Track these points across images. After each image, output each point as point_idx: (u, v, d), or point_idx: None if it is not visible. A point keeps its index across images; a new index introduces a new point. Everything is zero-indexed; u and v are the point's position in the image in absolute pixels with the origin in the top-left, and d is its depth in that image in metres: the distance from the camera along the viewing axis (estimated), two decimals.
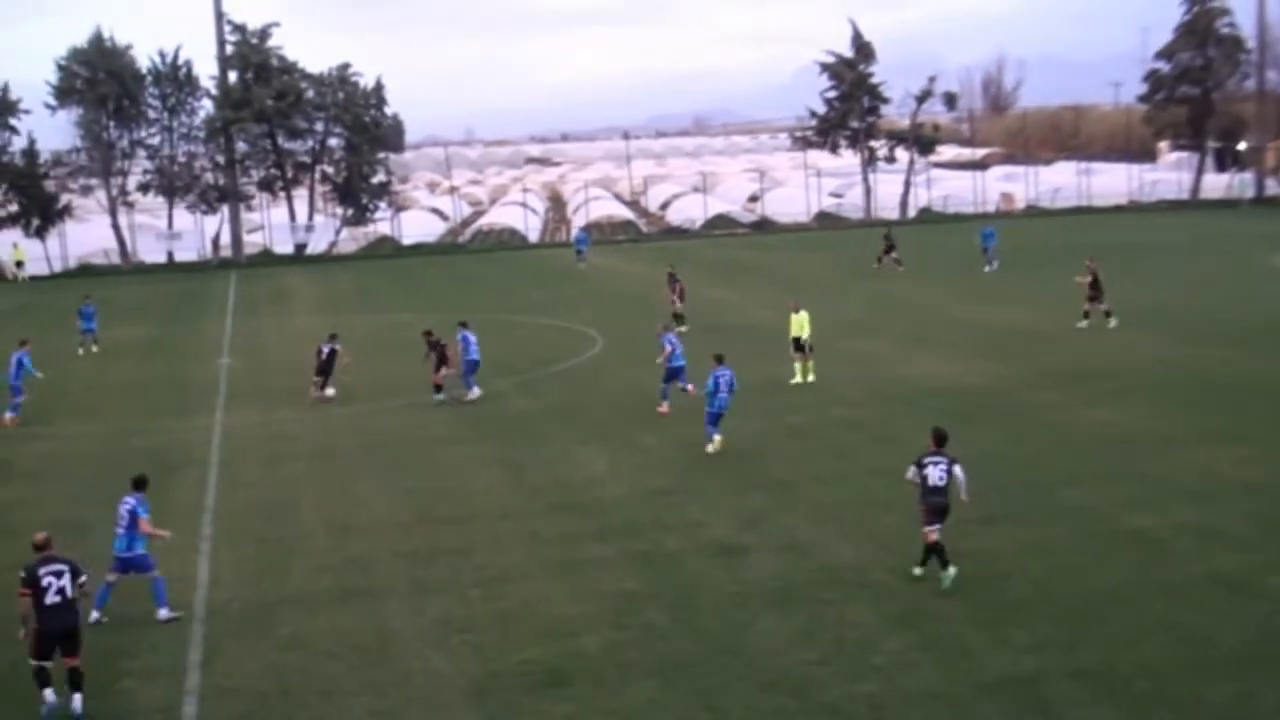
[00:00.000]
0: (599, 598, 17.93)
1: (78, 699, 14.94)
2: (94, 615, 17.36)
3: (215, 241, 79.34)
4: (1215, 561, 18.16)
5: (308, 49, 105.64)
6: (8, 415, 31.38)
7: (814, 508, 21.70)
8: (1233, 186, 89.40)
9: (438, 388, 31.81)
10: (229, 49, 78.18)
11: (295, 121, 79.23)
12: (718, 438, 25.67)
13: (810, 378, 32.16)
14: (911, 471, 18.18)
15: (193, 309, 55.21)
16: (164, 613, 17.76)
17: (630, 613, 17.39)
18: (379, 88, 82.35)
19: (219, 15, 78.04)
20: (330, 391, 32.82)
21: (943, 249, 63.47)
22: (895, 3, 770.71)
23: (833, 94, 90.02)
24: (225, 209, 79.35)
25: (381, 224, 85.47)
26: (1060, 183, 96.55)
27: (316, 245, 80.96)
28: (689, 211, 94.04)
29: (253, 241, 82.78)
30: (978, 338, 38.24)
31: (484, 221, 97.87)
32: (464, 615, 17.58)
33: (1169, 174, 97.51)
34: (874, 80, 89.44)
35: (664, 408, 29.35)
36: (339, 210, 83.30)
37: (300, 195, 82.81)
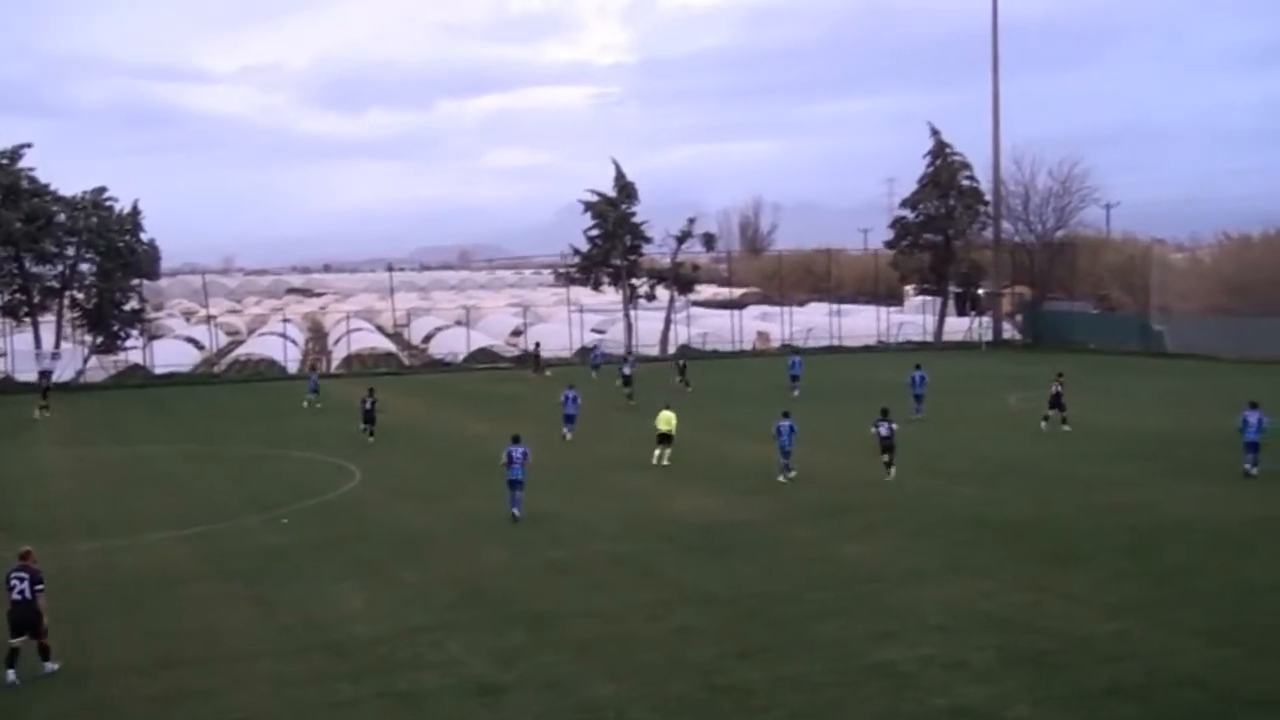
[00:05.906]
0: None
1: None
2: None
3: None
4: (959, 694, 18.66)
5: (61, 172, 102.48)
6: None
7: (574, 644, 21.57)
8: (972, 330, 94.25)
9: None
10: None
11: (44, 245, 76.33)
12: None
13: (665, 462, 39.56)
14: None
15: None
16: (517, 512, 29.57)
17: None
18: (135, 213, 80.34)
19: None
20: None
21: (700, 384, 64.81)
22: (657, 147, 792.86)
23: (595, 232, 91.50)
24: None
25: (133, 352, 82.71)
26: (813, 322, 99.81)
27: (63, 373, 77.70)
28: (452, 345, 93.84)
29: None
30: (736, 472, 38.95)
31: (241, 351, 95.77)
32: None
33: (914, 316, 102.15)
34: (636, 219, 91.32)
35: None
36: (88, 338, 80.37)
37: (47, 321, 79.57)
